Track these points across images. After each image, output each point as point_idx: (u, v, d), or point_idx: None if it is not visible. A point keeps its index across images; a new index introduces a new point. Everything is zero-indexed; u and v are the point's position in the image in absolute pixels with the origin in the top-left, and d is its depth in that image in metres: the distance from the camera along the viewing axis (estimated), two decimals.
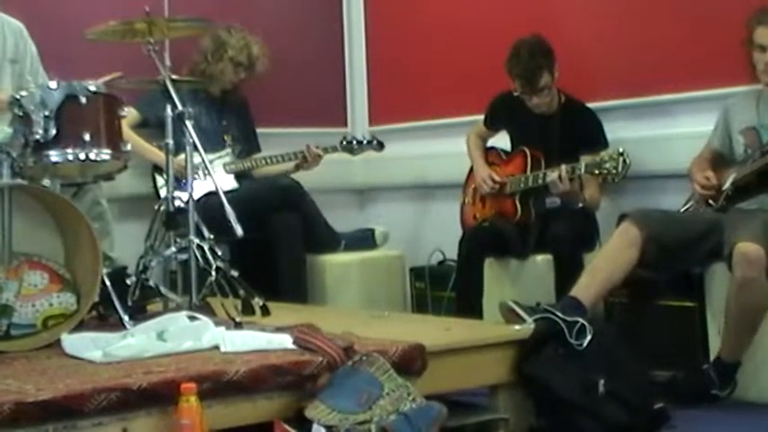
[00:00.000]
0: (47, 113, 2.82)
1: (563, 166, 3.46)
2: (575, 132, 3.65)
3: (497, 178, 3.77)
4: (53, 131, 2.82)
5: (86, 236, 2.78)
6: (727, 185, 3.19)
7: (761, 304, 2.87)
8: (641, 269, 3.09)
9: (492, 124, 3.94)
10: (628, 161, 3.25)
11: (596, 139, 3.63)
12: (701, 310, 3.16)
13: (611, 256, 3.09)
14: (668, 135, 3.68)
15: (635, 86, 3.78)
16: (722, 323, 2.97)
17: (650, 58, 3.74)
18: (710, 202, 3.24)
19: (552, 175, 3.47)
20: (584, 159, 3.43)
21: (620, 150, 3.27)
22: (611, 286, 3.08)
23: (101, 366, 2.31)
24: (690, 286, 3.20)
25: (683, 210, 3.33)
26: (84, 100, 2.87)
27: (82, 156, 2.85)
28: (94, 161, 2.89)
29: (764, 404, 2.93)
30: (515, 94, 3.69)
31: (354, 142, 4.27)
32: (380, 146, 4.31)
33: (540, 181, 3.57)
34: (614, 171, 3.27)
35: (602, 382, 2.55)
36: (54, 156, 2.83)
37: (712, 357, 3.03)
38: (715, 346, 3.05)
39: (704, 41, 3.58)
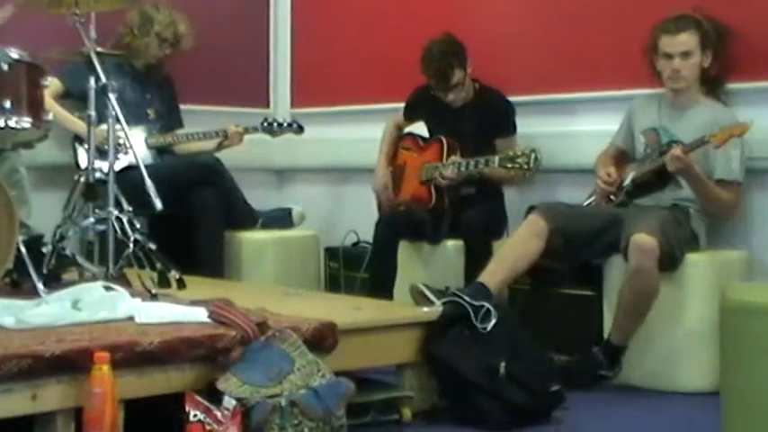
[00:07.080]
0: None
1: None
2: (487, 120, 3.76)
3: (389, 185, 3.94)
4: None
5: (3, 203, 2.75)
6: (627, 182, 3.36)
7: (651, 292, 3.04)
8: (545, 259, 3.22)
9: (410, 116, 4.04)
10: (539, 158, 3.35)
11: (503, 125, 3.76)
12: (599, 299, 3.31)
13: (518, 245, 3.22)
14: (574, 132, 3.82)
15: (544, 84, 3.90)
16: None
17: (559, 58, 3.87)
18: (611, 197, 3.41)
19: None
20: (499, 153, 3.54)
21: (533, 148, 3.39)
22: (516, 274, 3.21)
23: (13, 333, 2.30)
24: (589, 276, 3.35)
25: (586, 203, 3.48)
26: (5, 67, 2.85)
27: (1, 123, 2.82)
28: (14, 128, 2.86)
29: (647, 388, 3.11)
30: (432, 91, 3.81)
31: (275, 124, 4.26)
32: (300, 129, 4.29)
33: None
34: (525, 167, 3.38)
35: (503, 364, 2.64)
36: None
37: None
38: None
39: (608, 45, 3.72)
